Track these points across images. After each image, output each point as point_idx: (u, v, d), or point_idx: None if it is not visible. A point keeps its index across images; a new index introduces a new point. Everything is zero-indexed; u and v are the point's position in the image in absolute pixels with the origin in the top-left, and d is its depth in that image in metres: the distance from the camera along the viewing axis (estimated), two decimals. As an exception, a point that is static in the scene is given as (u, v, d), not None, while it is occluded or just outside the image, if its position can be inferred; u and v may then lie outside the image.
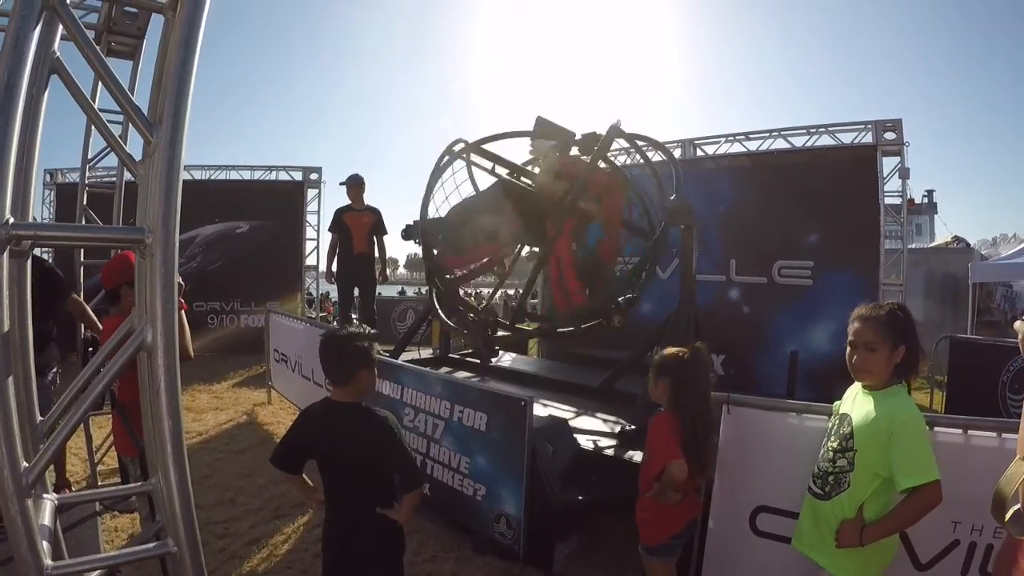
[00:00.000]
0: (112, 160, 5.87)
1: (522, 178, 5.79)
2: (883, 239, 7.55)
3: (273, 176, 12.85)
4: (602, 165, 5.74)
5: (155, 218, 1.62)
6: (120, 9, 3.91)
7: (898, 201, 7.96)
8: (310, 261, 12.97)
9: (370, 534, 2.41)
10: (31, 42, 1.54)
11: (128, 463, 3.25)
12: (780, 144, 8.73)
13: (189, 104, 1.66)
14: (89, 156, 5.34)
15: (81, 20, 1.71)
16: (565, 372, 6.03)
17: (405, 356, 6.29)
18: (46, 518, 1.61)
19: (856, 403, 2.30)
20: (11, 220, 1.50)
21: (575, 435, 4.18)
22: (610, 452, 3.99)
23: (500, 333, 5.85)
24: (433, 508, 4.21)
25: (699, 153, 9.41)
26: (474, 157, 5.97)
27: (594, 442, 4.15)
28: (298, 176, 12.83)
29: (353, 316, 7.92)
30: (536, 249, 5.93)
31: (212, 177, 12.56)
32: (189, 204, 1.72)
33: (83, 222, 5.28)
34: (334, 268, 7.85)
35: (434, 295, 5.99)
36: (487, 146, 5.97)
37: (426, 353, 7.23)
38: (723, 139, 9.26)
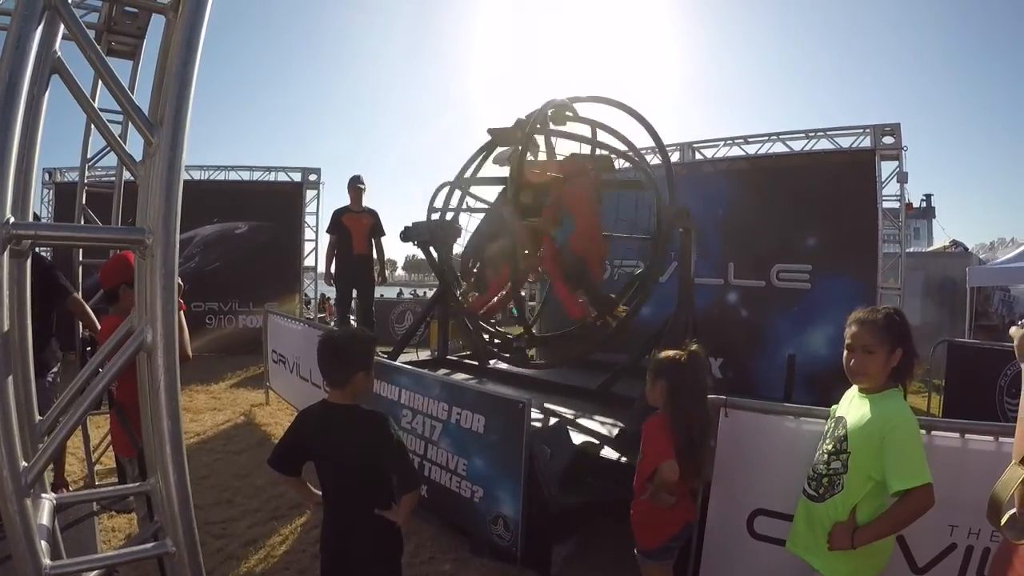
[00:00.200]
0: (111, 160, 5.87)
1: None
2: (881, 243, 7.57)
3: (272, 177, 12.86)
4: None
5: (155, 219, 1.62)
6: (120, 9, 3.91)
7: (896, 205, 8.00)
8: (308, 262, 12.98)
9: (368, 535, 2.41)
10: (33, 42, 1.55)
11: (126, 463, 3.24)
12: (779, 148, 8.77)
13: (190, 105, 1.66)
14: (88, 156, 5.33)
15: (81, 19, 1.71)
16: (563, 374, 6.02)
17: (403, 358, 6.29)
18: (44, 518, 1.61)
19: (852, 406, 2.31)
20: (11, 220, 1.50)
21: (573, 437, 4.19)
22: (608, 455, 3.99)
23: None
24: (431, 510, 4.21)
25: (698, 156, 9.44)
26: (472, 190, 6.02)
27: (592, 445, 4.15)
28: (297, 177, 12.85)
29: (351, 318, 7.92)
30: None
31: (211, 177, 12.57)
32: (188, 204, 1.72)
33: (82, 222, 5.27)
34: (332, 270, 7.82)
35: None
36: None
37: (424, 355, 7.23)
38: (722, 143, 9.29)
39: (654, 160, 6.41)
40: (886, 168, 7.74)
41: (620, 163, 6.35)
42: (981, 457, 2.50)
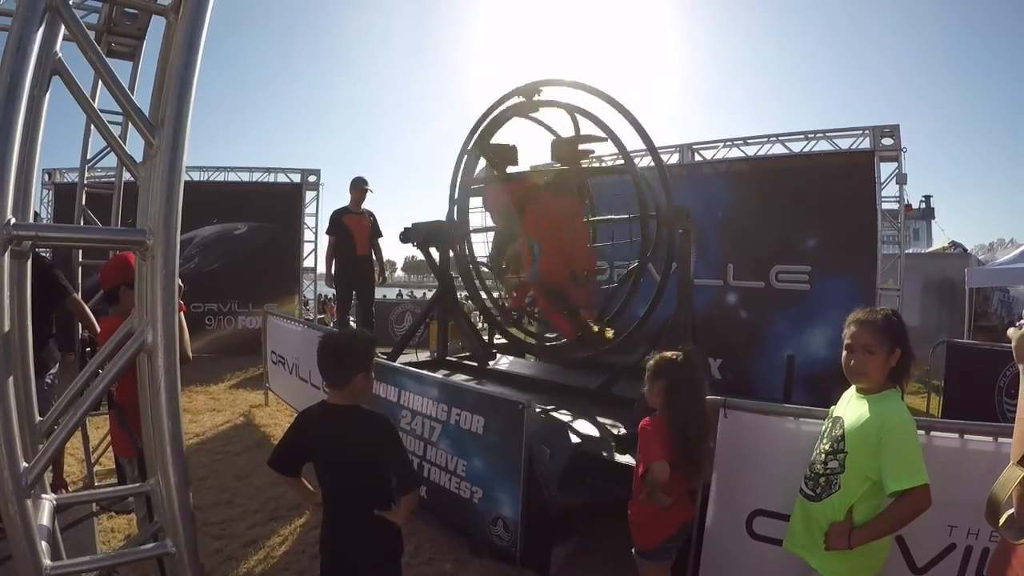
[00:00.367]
0: (110, 160, 5.88)
1: None
2: (880, 244, 7.57)
3: (271, 178, 12.85)
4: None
5: (156, 220, 1.62)
6: (120, 10, 3.92)
7: (895, 206, 8.00)
8: (308, 263, 12.97)
9: (368, 536, 2.41)
10: (34, 43, 1.55)
11: (125, 464, 3.24)
12: (778, 149, 8.76)
13: (191, 107, 1.67)
14: (88, 156, 5.33)
15: (81, 21, 1.71)
16: (562, 375, 6.02)
17: (403, 359, 6.29)
18: (44, 518, 1.62)
19: (849, 406, 2.31)
20: (12, 220, 1.50)
21: (572, 438, 4.19)
22: (607, 455, 3.99)
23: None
24: (430, 511, 4.21)
25: (697, 158, 9.44)
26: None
27: (591, 445, 4.15)
28: (296, 178, 12.83)
29: (350, 319, 7.91)
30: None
31: (210, 178, 12.56)
32: (187, 205, 1.72)
33: (82, 222, 5.28)
34: (333, 271, 7.80)
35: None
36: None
37: (424, 356, 7.22)
38: (721, 144, 9.28)
39: (647, 161, 6.40)
40: (885, 169, 7.74)
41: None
42: (980, 457, 2.50)
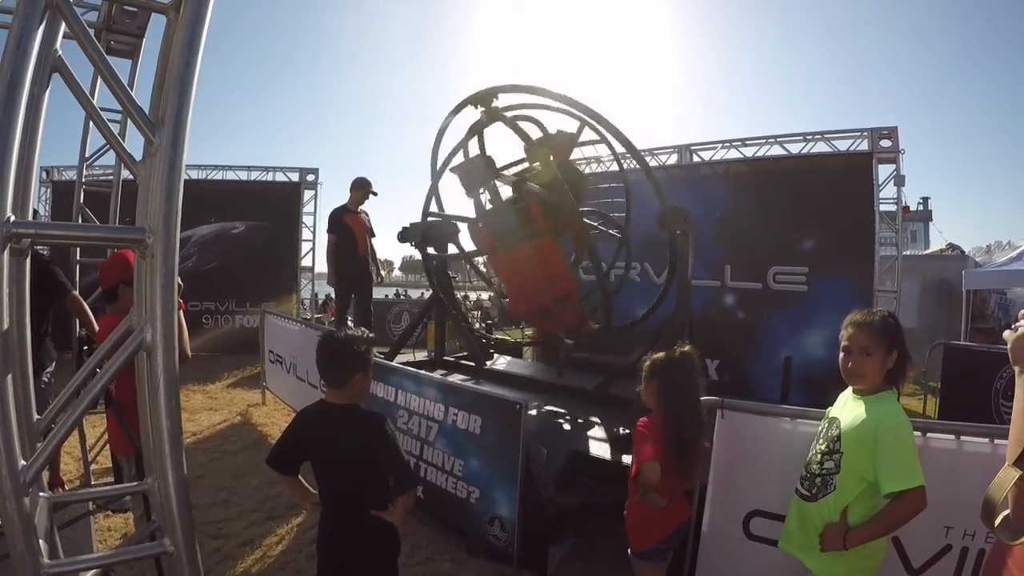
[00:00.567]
0: (108, 158, 5.86)
1: None
2: (878, 246, 7.58)
3: (270, 177, 12.84)
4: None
5: (156, 218, 1.62)
6: (120, 8, 3.91)
7: (893, 208, 8.01)
8: (306, 262, 12.96)
9: (365, 536, 2.42)
10: (35, 40, 1.55)
11: (123, 462, 3.24)
12: (776, 151, 8.78)
13: (192, 105, 1.67)
14: (86, 154, 5.32)
15: (81, 18, 1.71)
16: (560, 375, 6.03)
17: (400, 358, 6.29)
18: (42, 517, 1.62)
19: (846, 407, 2.32)
20: (12, 218, 1.50)
21: (569, 438, 4.19)
22: (604, 455, 4.00)
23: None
24: (427, 510, 4.21)
25: (695, 159, 9.45)
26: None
27: (588, 445, 4.16)
28: (295, 177, 12.83)
29: (347, 318, 7.90)
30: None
31: (208, 177, 12.55)
32: (185, 204, 1.72)
33: (80, 220, 5.27)
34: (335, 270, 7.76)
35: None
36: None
37: (421, 356, 7.23)
38: (720, 145, 9.29)
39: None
40: (883, 171, 7.75)
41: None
42: (976, 459, 2.51)
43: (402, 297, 19.58)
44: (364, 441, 2.39)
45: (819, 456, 2.31)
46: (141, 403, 1.79)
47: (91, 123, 4.95)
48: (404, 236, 6.35)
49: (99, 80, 3.73)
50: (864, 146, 7.83)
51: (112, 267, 3.23)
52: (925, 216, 22.70)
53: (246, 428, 6.85)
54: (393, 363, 5.29)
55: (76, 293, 4.39)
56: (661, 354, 2.82)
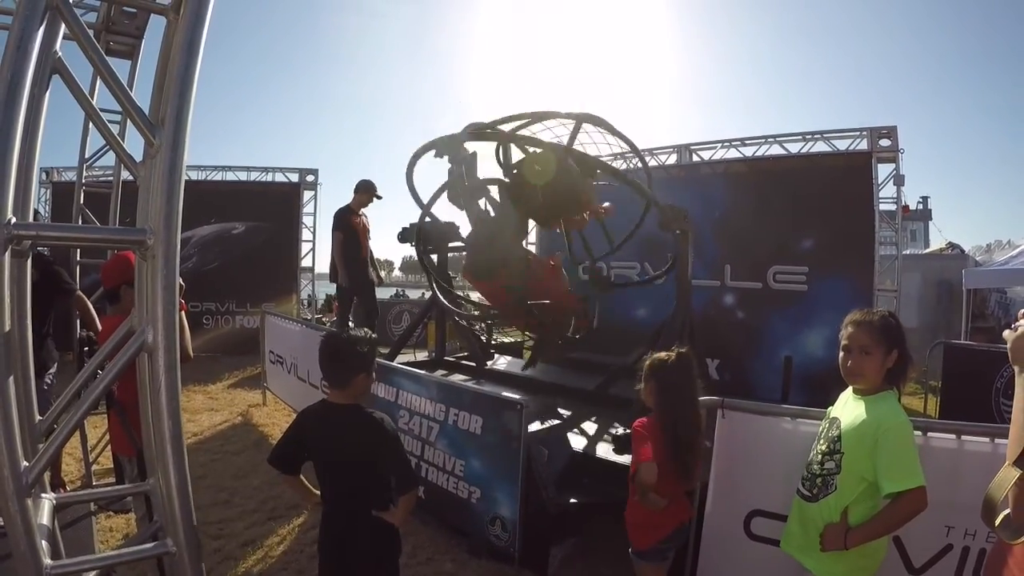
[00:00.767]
0: (108, 159, 5.87)
1: None
2: (878, 245, 7.58)
3: (269, 177, 12.84)
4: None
5: (157, 219, 1.62)
6: (119, 9, 3.91)
7: (893, 207, 8.00)
8: (306, 263, 12.96)
9: (366, 536, 2.42)
10: (35, 42, 1.55)
11: (125, 462, 3.24)
12: (776, 150, 8.77)
13: (192, 106, 1.67)
14: (86, 155, 5.32)
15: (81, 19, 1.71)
16: (560, 376, 6.04)
17: (401, 359, 6.29)
18: (44, 517, 1.62)
19: (846, 407, 2.32)
20: (13, 220, 1.50)
21: (570, 439, 4.19)
22: (604, 456, 4.00)
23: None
24: (428, 510, 4.22)
25: (695, 158, 9.45)
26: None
27: (589, 446, 4.16)
28: (294, 178, 12.82)
29: (349, 320, 7.91)
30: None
31: (208, 177, 12.54)
32: (185, 204, 1.72)
33: (79, 221, 5.27)
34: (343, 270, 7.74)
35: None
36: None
37: (422, 356, 7.23)
38: (719, 145, 9.29)
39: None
40: (883, 171, 7.74)
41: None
42: (977, 458, 2.51)
43: (401, 297, 19.52)
44: (366, 441, 2.39)
45: (820, 456, 2.31)
46: (142, 404, 1.79)
47: (91, 124, 4.95)
48: (404, 236, 6.36)
49: (98, 81, 3.75)
50: (863, 145, 7.82)
51: (114, 268, 3.24)
52: (925, 215, 22.66)
53: (247, 428, 6.85)
54: (394, 363, 5.29)
55: (80, 293, 4.40)
56: (660, 354, 2.83)
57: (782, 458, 2.84)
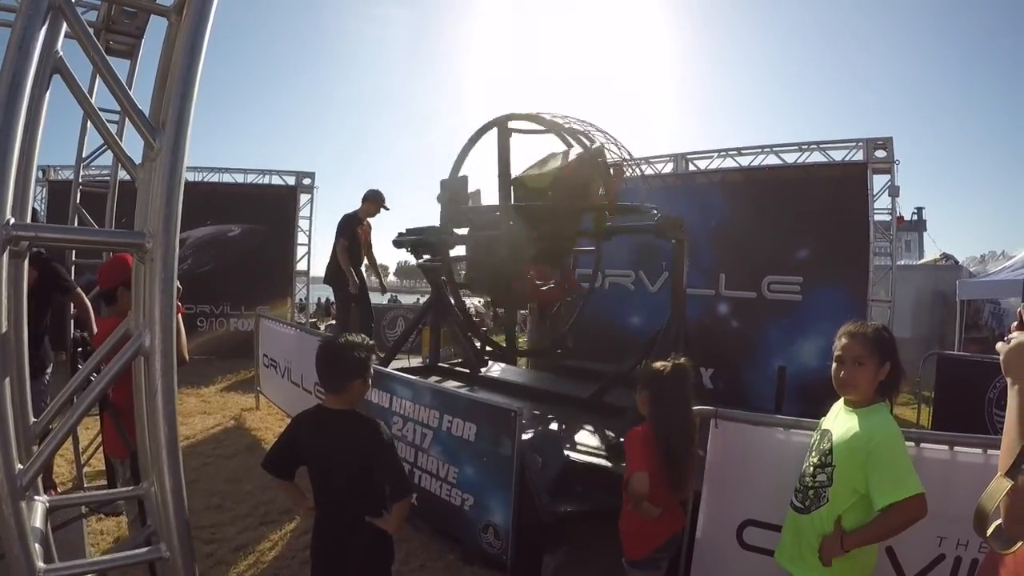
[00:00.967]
0: (105, 158, 5.85)
1: None
2: (872, 256, 7.61)
3: (266, 180, 12.82)
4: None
5: (156, 223, 1.62)
6: (120, 8, 3.90)
7: (888, 218, 8.04)
8: (301, 267, 12.93)
9: (359, 542, 2.41)
10: (37, 42, 1.55)
11: (117, 464, 3.23)
12: (772, 160, 8.81)
13: (193, 109, 1.67)
14: (84, 154, 5.31)
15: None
16: (555, 383, 6.03)
17: (395, 365, 6.28)
18: (38, 520, 1.61)
19: (838, 419, 2.32)
20: (12, 221, 1.50)
21: (564, 447, 4.19)
22: (598, 464, 4.00)
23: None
24: (421, 517, 4.20)
25: (691, 168, 9.48)
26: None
27: (582, 454, 4.16)
28: (291, 180, 12.80)
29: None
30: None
31: (205, 179, 12.49)
32: (182, 206, 1.72)
33: (76, 221, 5.25)
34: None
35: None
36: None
37: (416, 362, 7.22)
38: (716, 154, 9.33)
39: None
40: (878, 181, 7.78)
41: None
42: (969, 469, 2.52)
43: (394, 302, 19.48)
44: (361, 447, 2.39)
45: (811, 469, 2.32)
46: (138, 407, 1.79)
47: (89, 123, 4.94)
48: (400, 242, 6.37)
49: (97, 80, 3.74)
50: (859, 156, 7.86)
51: (111, 269, 3.23)
52: (919, 226, 22.73)
53: (240, 432, 6.82)
54: (388, 369, 5.28)
55: (79, 291, 4.38)
56: (657, 363, 2.83)
57: (775, 468, 2.85)
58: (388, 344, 8.52)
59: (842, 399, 2.34)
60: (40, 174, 11.52)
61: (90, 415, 4.75)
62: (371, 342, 2.58)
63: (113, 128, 4.45)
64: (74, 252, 5.37)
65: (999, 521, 1.35)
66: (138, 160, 1.85)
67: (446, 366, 6.76)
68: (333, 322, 11.69)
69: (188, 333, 4.03)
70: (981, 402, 6.74)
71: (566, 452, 4.14)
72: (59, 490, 4.61)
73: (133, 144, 1.94)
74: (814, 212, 7.86)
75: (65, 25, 1.66)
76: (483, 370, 6.42)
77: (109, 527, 4.09)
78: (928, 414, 7.75)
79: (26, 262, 1.78)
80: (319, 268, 9.05)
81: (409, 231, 6.36)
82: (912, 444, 2.53)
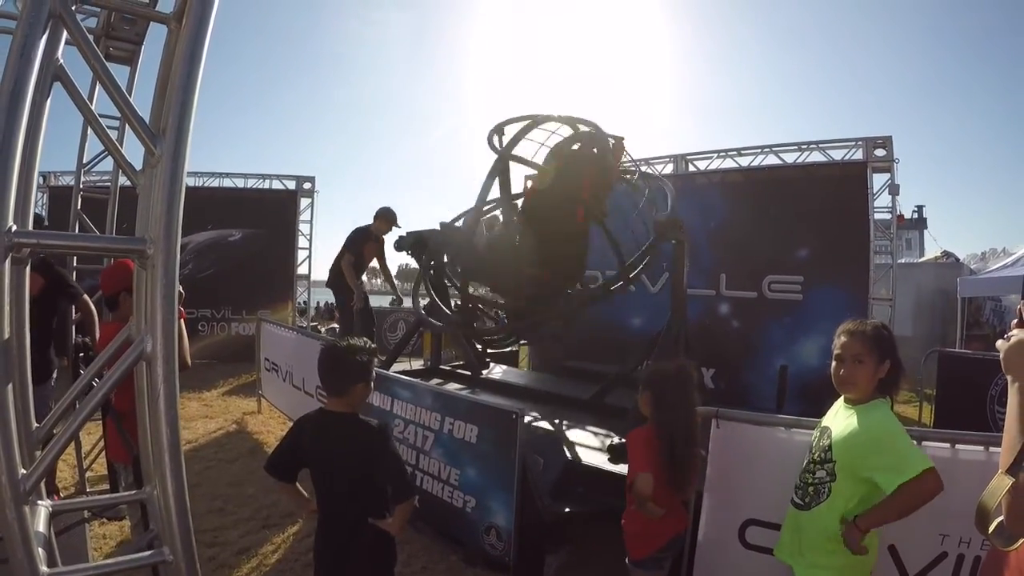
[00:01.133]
0: (106, 164, 5.86)
1: None
2: (873, 254, 7.61)
3: (266, 184, 12.85)
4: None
5: (157, 229, 1.63)
6: (119, 15, 3.91)
7: (888, 217, 8.04)
8: (302, 270, 12.95)
9: (362, 545, 2.42)
10: (38, 49, 1.55)
11: (120, 469, 3.23)
12: (772, 160, 8.82)
13: (193, 116, 1.68)
14: (84, 160, 5.32)
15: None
16: (556, 385, 6.04)
17: (396, 367, 6.28)
18: (41, 525, 1.62)
19: (837, 416, 2.33)
20: (13, 228, 1.51)
21: (565, 448, 4.19)
22: (600, 465, 4.00)
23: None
24: (423, 519, 4.21)
25: (691, 168, 9.49)
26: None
27: (584, 455, 4.16)
28: (291, 185, 12.82)
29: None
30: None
31: (205, 184, 12.52)
32: (183, 211, 1.72)
33: (77, 227, 5.26)
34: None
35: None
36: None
37: (417, 364, 7.23)
38: (715, 154, 9.34)
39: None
40: (878, 180, 7.78)
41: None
42: (971, 467, 2.52)
43: (396, 305, 19.45)
44: (363, 450, 2.40)
45: (812, 466, 2.33)
46: (140, 412, 1.79)
47: (89, 129, 4.95)
48: (400, 245, 6.38)
49: (97, 86, 3.75)
50: (859, 155, 7.86)
51: (113, 275, 3.24)
52: (920, 224, 22.74)
53: (242, 436, 6.84)
54: (389, 372, 5.29)
55: (85, 297, 4.40)
56: (660, 364, 2.84)
57: (777, 467, 2.85)
58: (390, 347, 8.52)
59: (842, 397, 2.35)
60: (41, 180, 11.52)
61: (92, 420, 4.80)
62: (373, 345, 2.59)
63: (113, 134, 4.46)
64: (75, 258, 5.38)
65: (1001, 518, 1.35)
66: (138, 166, 1.85)
67: (447, 368, 6.77)
68: (334, 326, 11.70)
69: (190, 337, 4.03)
70: (983, 399, 6.73)
71: (568, 453, 4.14)
72: (62, 495, 4.62)
73: (133, 149, 1.95)
74: (814, 211, 7.86)
75: (65, 32, 1.66)
76: (484, 372, 6.43)
77: (112, 531, 4.09)
78: (930, 412, 7.75)
79: (27, 269, 1.79)
80: (320, 272, 9.06)
81: (410, 233, 6.37)
82: (914, 442, 2.53)
